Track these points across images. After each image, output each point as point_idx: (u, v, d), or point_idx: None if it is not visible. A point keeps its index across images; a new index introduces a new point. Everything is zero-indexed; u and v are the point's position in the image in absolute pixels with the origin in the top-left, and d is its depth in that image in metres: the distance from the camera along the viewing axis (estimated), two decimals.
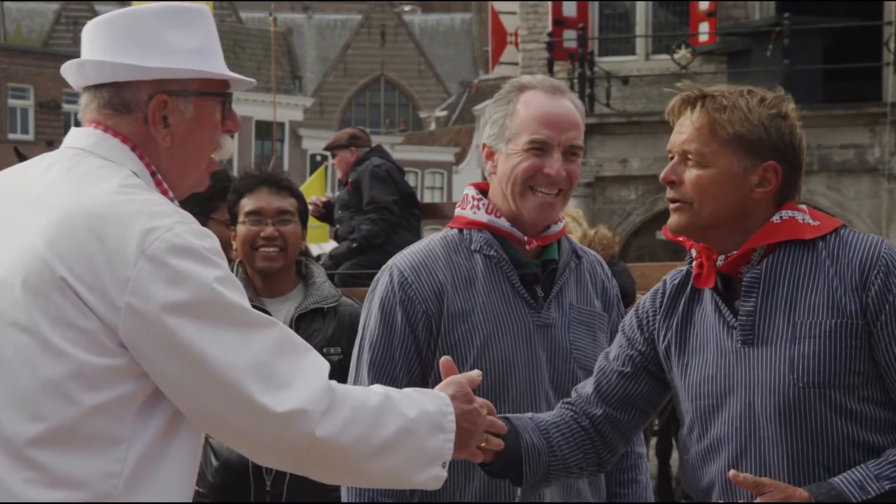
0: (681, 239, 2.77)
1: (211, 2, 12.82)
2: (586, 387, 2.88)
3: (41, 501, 2.17)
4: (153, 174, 2.38)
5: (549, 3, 20.61)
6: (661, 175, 2.76)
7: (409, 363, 2.94)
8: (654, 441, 9.56)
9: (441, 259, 2.99)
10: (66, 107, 42.28)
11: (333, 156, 9.24)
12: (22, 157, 9.54)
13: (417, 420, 2.34)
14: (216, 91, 2.46)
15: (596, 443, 2.83)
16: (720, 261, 2.70)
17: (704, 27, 20.14)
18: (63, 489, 2.17)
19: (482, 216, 3.01)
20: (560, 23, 20.10)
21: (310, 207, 9.43)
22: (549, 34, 19.65)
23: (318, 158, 42.01)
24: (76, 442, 2.18)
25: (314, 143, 46.32)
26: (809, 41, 17.75)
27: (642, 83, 20.39)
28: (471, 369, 2.89)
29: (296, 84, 58.22)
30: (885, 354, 2.57)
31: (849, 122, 17.14)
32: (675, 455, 10.08)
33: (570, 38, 19.32)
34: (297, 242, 4.08)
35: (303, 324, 3.95)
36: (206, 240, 2.26)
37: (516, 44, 22.15)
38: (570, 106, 3.02)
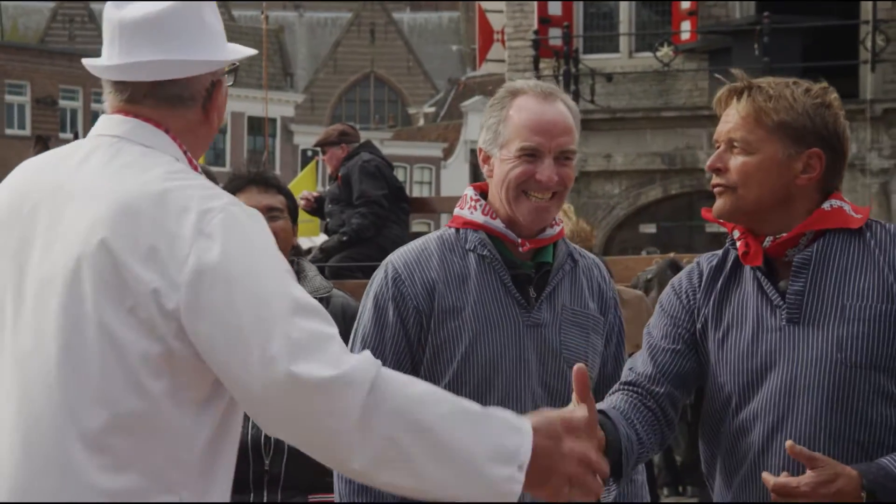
0: (722, 222, 2.79)
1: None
2: (644, 366, 2.84)
3: (114, 487, 2.18)
4: (186, 155, 2.39)
5: (535, 1, 20.59)
6: (708, 163, 2.76)
7: (399, 357, 2.95)
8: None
9: (435, 257, 3.00)
10: (62, 103, 42.19)
11: (324, 151, 9.25)
12: (45, 147, 9.49)
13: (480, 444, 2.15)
14: (226, 71, 2.48)
15: (661, 422, 2.80)
16: (767, 241, 2.72)
17: (686, 25, 20.16)
18: (134, 474, 2.19)
19: (478, 217, 3.01)
20: (546, 21, 20.10)
21: (301, 202, 9.51)
22: (535, 32, 19.65)
23: (310, 154, 41.92)
24: (148, 429, 2.20)
25: (305, 138, 46.20)
26: (788, 40, 17.79)
27: (626, 80, 20.41)
28: (458, 365, 2.92)
29: (287, 81, 58.09)
30: None
31: None
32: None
33: (555, 35, 19.34)
34: (288, 238, 4.07)
35: None
36: (257, 218, 2.29)
37: (503, 41, 22.12)
38: (562, 110, 3.01)
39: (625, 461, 2.63)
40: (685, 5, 20.20)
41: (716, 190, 2.74)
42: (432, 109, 59.55)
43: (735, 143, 2.72)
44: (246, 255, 2.20)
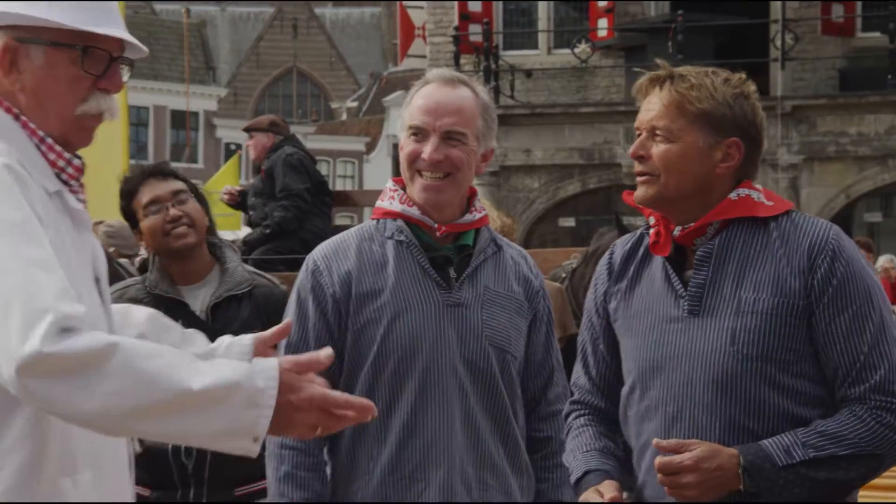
0: (641, 208, 2.79)
1: None
2: (582, 379, 2.92)
3: None
4: (16, 117, 2.31)
5: None
6: (630, 150, 2.75)
7: (321, 345, 2.95)
8: None
9: (353, 247, 3.04)
10: None
11: (250, 137, 9.19)
12: None
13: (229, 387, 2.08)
14: (69, 42, 2.33)
15: (616, 431, 2.86)
16: (677, 231, 2.72)
17: (603, 23, 20.29)
18: None
19: (396, 206, 3.04)
20: (466, 17, 20.13)
21: (224, 197, 9.47)
22: (456, 28, 19.68)
23: (233, 147, 41.62)
24: None
25: (228, 132, 45.95)
26: (702, 38, 17.97)
27: (545, 76, 20.51)
28: (378, 347, 2.94)
29: (210, 75, 57.56)
30: (824, 334, 2.62)
31: None
32: None
33: (475, 32, 19.37)
34: (202, 218, 4.02)
35: (218, 312, 3.93)
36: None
37: (424, 37, 22.11)
38: (460, 94, 3.02)
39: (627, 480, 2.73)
40: (602, 3, 20.33)
41: (638, 178, 2.74)
42: (355, 104, 59.37)
43: (658, 132, 2.71)
44: None
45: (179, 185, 4.04)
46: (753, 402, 2.62)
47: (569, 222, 19.39)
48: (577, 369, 2.95)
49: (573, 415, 2.93)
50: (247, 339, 2.58)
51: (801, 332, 2.62)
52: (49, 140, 2.34)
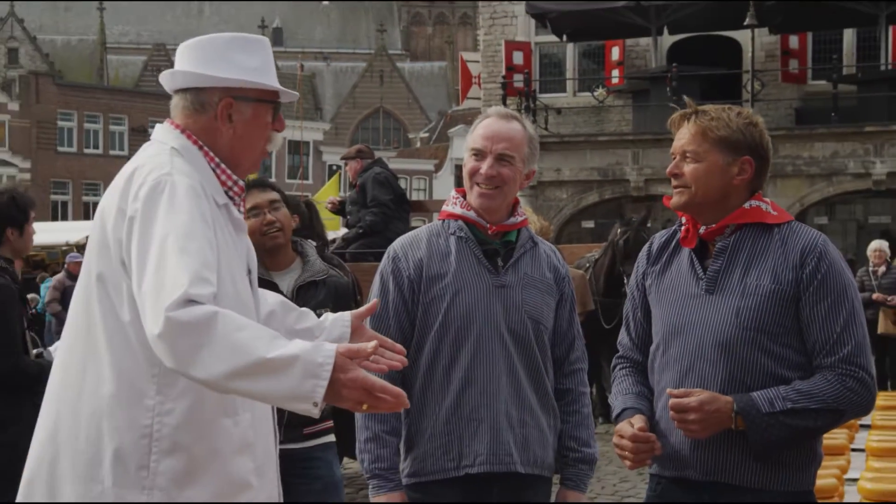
0: (677, 211, 2.81)
1: None
2: (624, 339, 2.91)
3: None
4: (200, 147, 2.36)
5: (503, 53, 20.61)
6: (668, 169, 2.75)
7: (399, 315, 2.96)
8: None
9: (424, 241, 3.02)
10: (150, 131, 42.05)
11: (346, 164, 9.24)
12: None
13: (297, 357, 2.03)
14: (268, 99, 2.42)
15: (650, 386, 2.85)
16: (702, 229, 2.73)
17: (616, 73, 20.21)
18: None
19: (458, 209, 3.02)
20: (511, 69, 20.11)
21: (328, 205, 9.52)
22: (503, 77, 19.65)
23: (334, 168, 41.81)
24: None
25: (332, 157, 46.13)
26: (691, 83, 17.79)
27: (571, 113, 20.44)
28: (443, 317, 2.92)
29: (318, 114, 57.88)
30: (807, 315, 2.61)
31: None
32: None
33: (518, 80, 19.34)
34: (290, 222, 3.97)
35: (301, 292, 3.90)
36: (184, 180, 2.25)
37: (479, 84, 22.11)
38: (512, 126, 2.99)
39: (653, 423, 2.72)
40: (615, 57, 20.24)
41: (675, 189, 2.75)
42: (426, 135, 59.36)
43: (687, 154, 2.71)
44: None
45: (275, 195, 3.99)
46: (748, 362, 2.61)
47: (589, 224, 19.32)
48: (622, 332, 2.95)
49: (618, 367, 2.93)
50: (346, 314, 2.58)
51: (789, 312, 2.61)
52: (223, 165, 2.38)
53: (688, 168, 2.70)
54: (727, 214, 2.70)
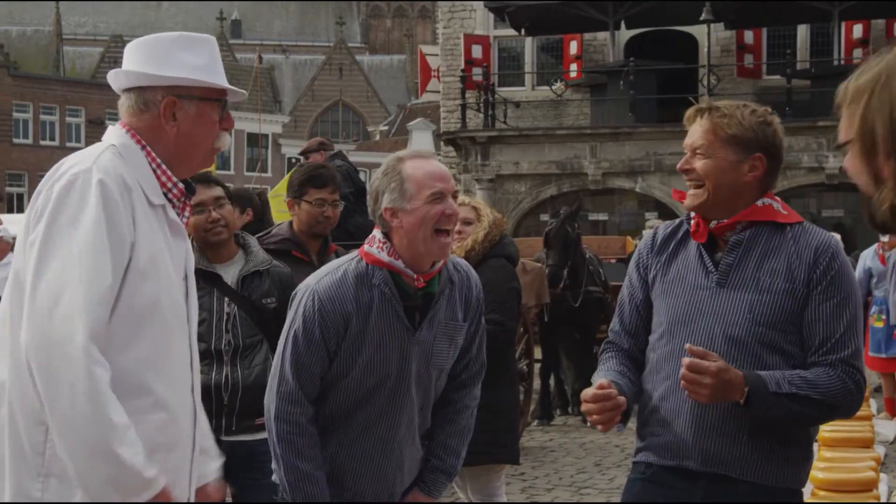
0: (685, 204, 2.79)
1: None
2: (617, 324, 2.91)
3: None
4: (143, 146, 2.34)
5: (462, 47, 20.61)
6: (679, 165, 2.75)
7: (322, 363, 2.86)
8: (538, 367, 9.57)
9: (351, 291, 2.86)
10: (108, 123, 41.54)
11: (307, 158, 9.18)
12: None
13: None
14: (215, 97, 2.40)
15: (638, 361, 2.86)
16: (712, 224, 2.73)
17: (574, 67, 20.28)
18: None
19: (384, 257, 2.86)
20: (470, 62, 20.12)
21: (287, 199, 9.44)
22: (462, 70, 19.64)
23: (294, 161, 41.56)
24: None
25: (290, 149, 45.79)
26: (647, 78, 17.95)
27: (530, 106, 20.48)
28: (361, 369, 2.85)
29: (276, 106, 57.52)
30: (812, 311, 2.63)
31: (676, 136, 17.11)
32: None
33: (477, 73, 19.33)
34: (233, 218, 4.00)
35: (246, 282, 3.94)
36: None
37: (438, 77, 22.10)
38: (441, 164, 2.92)
39: (629, 402, 2.70)
40: (573, 51, 20.31)
41: (689, 185, 2.75)
42: (385, 128, 59.23)
43: (698, 151, 2.72)
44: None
45: (220, 192, 4.00)
46: (754, 355, 2.63)
47: (547, 217, 19.27)
48: (614, 318, 2.94)
49: (606, 351, 2.93)
50: (213, 473, 2.63)
51: (798, 311, 2.64)
52: (164, 167, 2.35)
53: (699, 164, 2.71)
54: (738, 211, 2.71)
